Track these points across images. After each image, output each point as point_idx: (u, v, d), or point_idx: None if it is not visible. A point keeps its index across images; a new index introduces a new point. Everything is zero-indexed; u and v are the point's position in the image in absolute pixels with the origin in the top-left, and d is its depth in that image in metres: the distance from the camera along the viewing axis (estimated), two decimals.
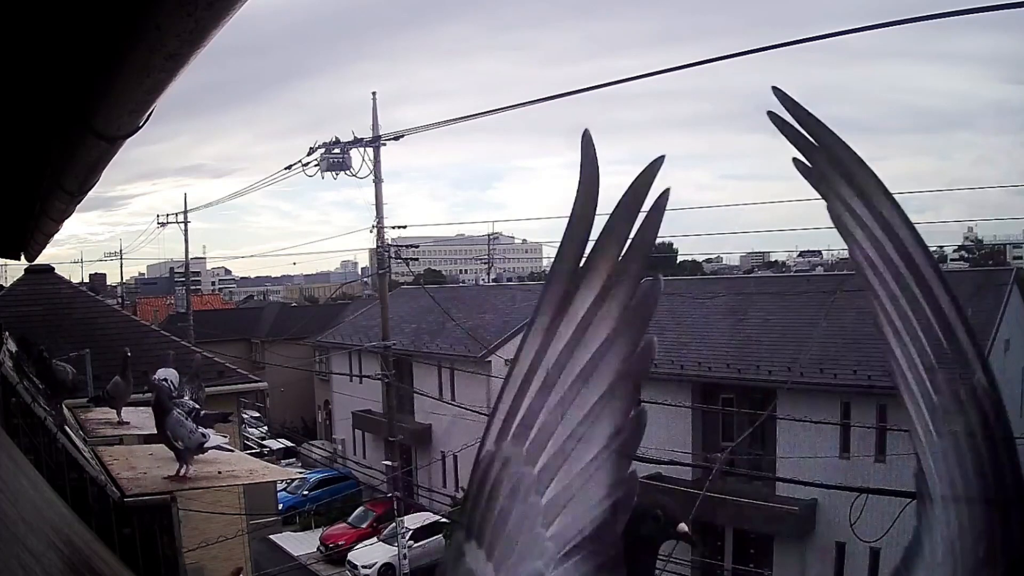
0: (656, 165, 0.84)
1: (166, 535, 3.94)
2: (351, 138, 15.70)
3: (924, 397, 1.10)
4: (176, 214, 27.54)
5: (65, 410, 5.44)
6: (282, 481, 17.79)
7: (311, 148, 15.88)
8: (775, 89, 0.82)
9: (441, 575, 0.82)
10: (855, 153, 0.88)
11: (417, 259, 20.64)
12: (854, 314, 17.59)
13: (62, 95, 1.47)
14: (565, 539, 0.76)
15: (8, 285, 11.37)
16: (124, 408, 5.88)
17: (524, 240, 77.70)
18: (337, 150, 15.66)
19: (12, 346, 5.06)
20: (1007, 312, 16.27)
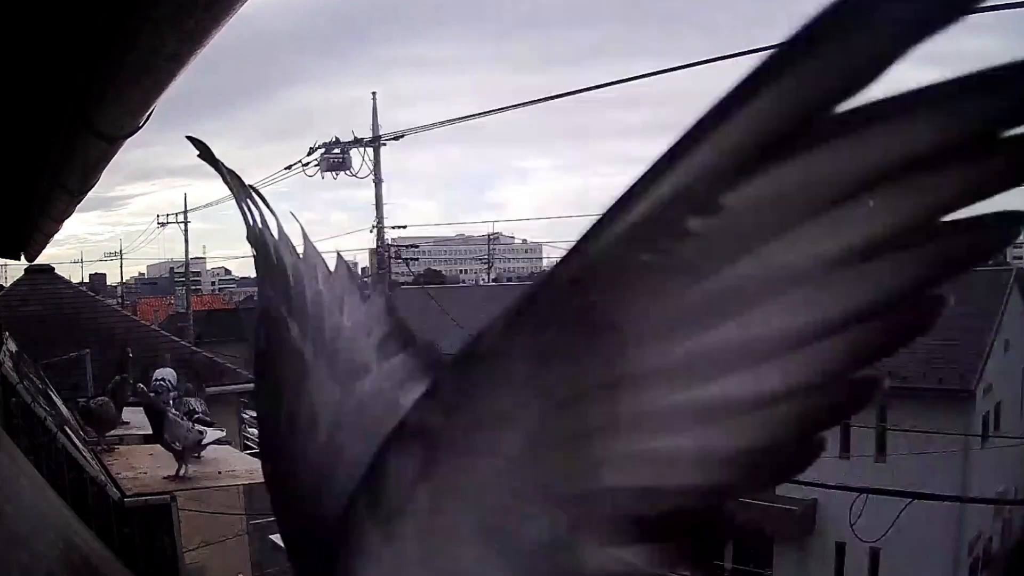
0: None
1: (166, 535, 3.94)
2: (351, 138, 15.71)
3: None
4: (176, 214, 27.56)
5: (65, 410, 5.44)
6: None
7: (311, 148, 15.89)
8: None
9: None
10: None
11: (417, 259, 20.64)
12: None
13: (62, 95, 1.47)
14: None
15: (8, 285, 11.37)
16: (124, 408, 5.89)
17: (524, 240, 77.71)
18: (337, 150, 15.66)
19: (12, 346, 5.06)
20: (1007, 312, 16.27)
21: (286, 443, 0.61)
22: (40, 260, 6.97)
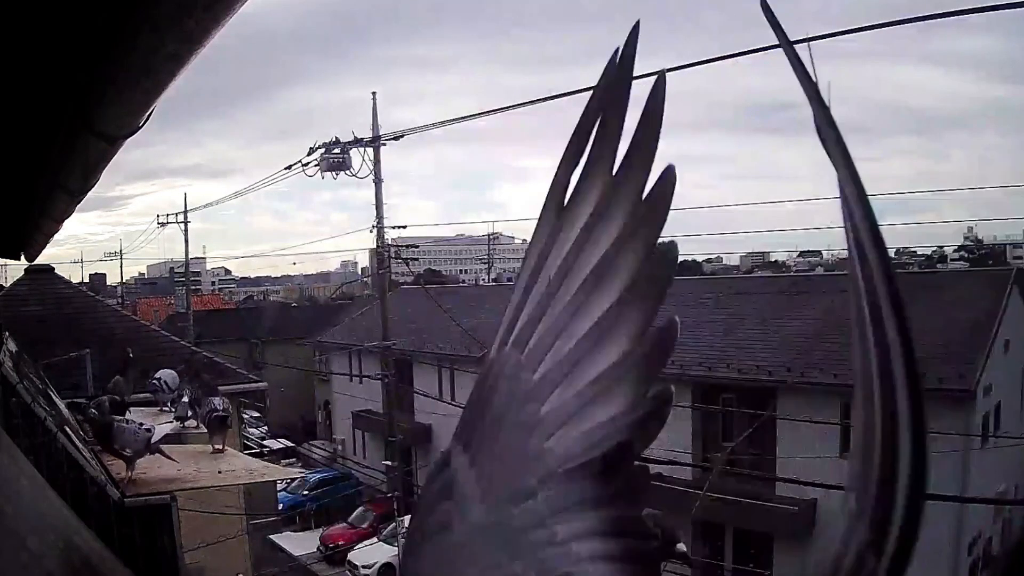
0: (635, 33, 0.68)
1: (166, 535, 3.94)
2: (351, 138, 15.71)
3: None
4: (176, 214, 27.56)
5: (65, 410, 5.44)
6: (282, 481, 17.79)
7: (311, 148, 15.89)
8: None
9: (428, 479, 0.72)
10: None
11: (417, 259, 20.64)
12: None
13: (62, 95, 1.47)
14: (568, 456, 0.65)
15: (8, 285, 11.37)
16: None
17: (524, 240, 77.68)
18: (337, 150, 15.66)
19: (12, 346, 5.06)
20: (1007, 312, 16.26)
21: None
22: (40, 260, 6.97)
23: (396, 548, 17.82)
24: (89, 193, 2.23)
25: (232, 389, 11.19)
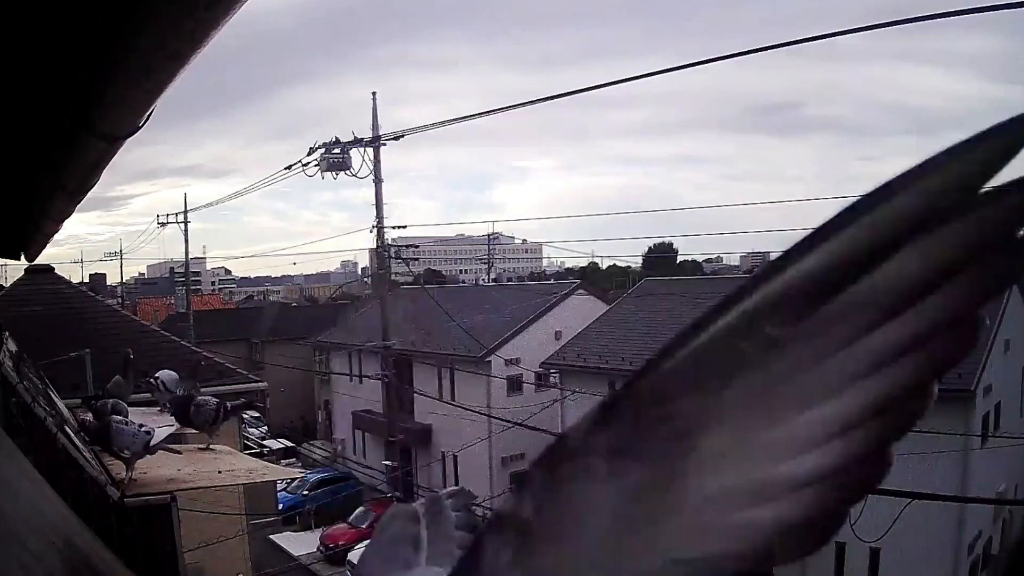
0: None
1: (166, 535, 3.94)
2: (351, 138, 15.71)
3: None
4: (176, 214, 27.56)
5: (65, 410, 5.44)
6: (282, 481, 17.78)
7: (311, 148, 15.90)
8: None
9: None
10: None
11: (417, 259, 20.64)
12: None
13: (62, 95, 1.47)
14: None
15: (8, 285, 11.36)
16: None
17: (524, 240, 77.74)
18: (337, 150, 15.66)
19: (12, 346, 5.06)
20: (1007, 312, 16.26)
21: None
22: (40, 260, 6.98)
23: None
24: (89, 193, 2.23)
25: (232, 389, 11.19)
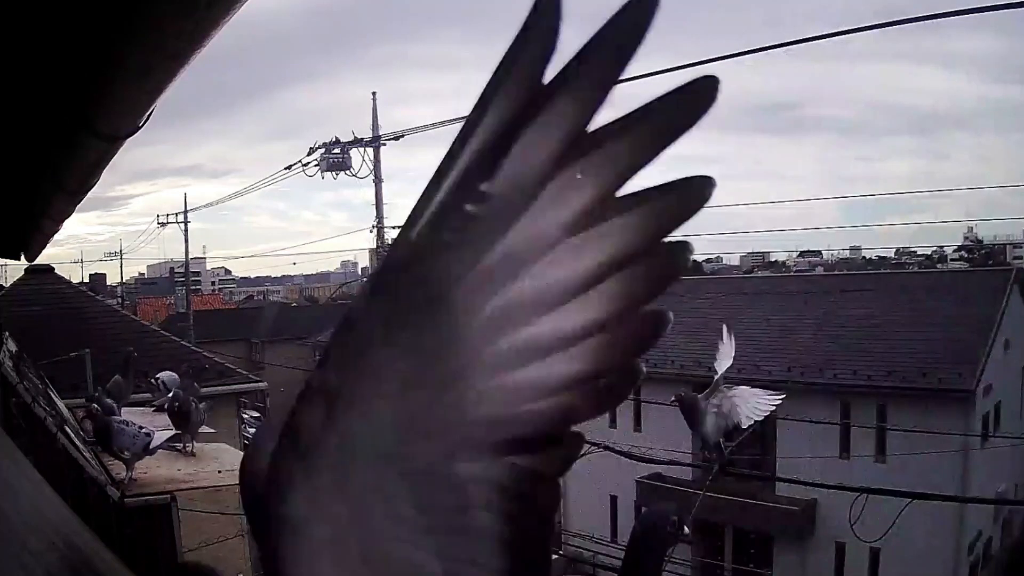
0: None
1: (166, 535, 3.94)
2: (351, 138, 15.71)
3: None
4: (176, 214, 27.54)
5: (65, 410, 5.44)
6: None
7: (311, 148, 15.90)
8: None
9: None
10: None
11: None
12: (854, 314, 17.61)
13: (62, 95, 1.47)
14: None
15: (8, 285, 11.36)
16: (124, 408, 5.89)
17: None
18: (337, 150, 15.66)
19: (12, 346, 5.07)
20: (1007, 312, 16.26)
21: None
22: (40, 260, 6.98)
23: None
24: (89, 193, 2.23)
25: (232, 389, 11.19)
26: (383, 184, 16.18)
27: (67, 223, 2.94)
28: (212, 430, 6.30)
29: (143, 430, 4.22)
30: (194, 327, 26.65)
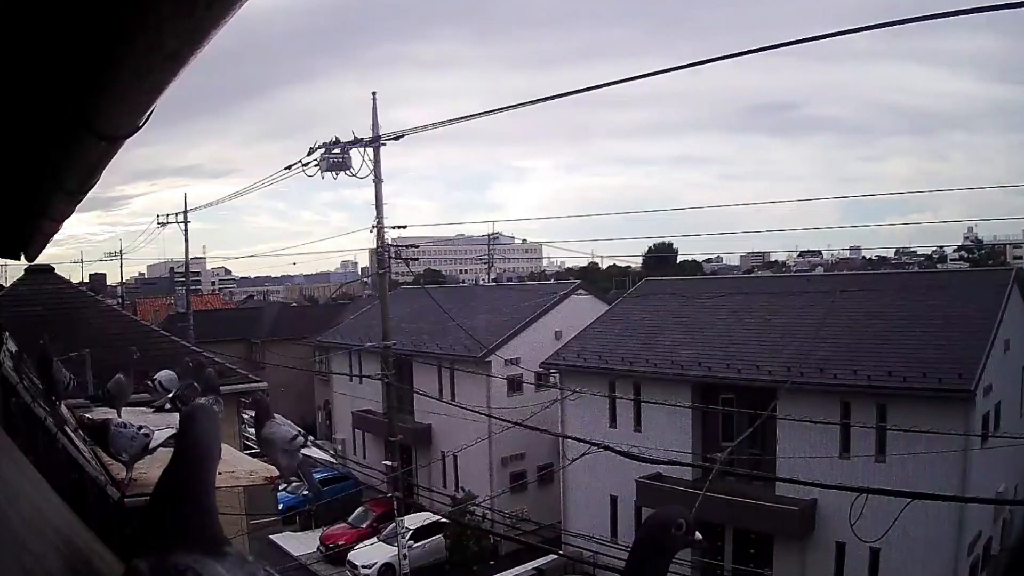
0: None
1: None
2: (351, 138, 15.69)
3: None
4: (176, 214, 27.53)
5: (65, 410, 5.44)
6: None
7: (311, 148, 15.87)
8: None
9: None
10: None
11: (417, 259, 20.62)
12: (854, 314, 17.61)
13: (62, 95, 1.47)
14: None
15: (8, 285, 11.36)
16: (124, 408, 5.88)
17: (524, 240, 77.76)
18: (337, 150, 15.64)
19: (12, 346, 5.06)
20: (1007, 312, 16.26)
21: None
22: (40, 260, 6.97)
23: (396, 548, 17.81)
24: (89, 193, 2.23)
25: (232, 389, 11.19)
26: (383, 184, 16.17)
27: (67, 223, 2.94)
28: None
29: (142, 430, 4.21)
30: (194, 327, 26.65)
